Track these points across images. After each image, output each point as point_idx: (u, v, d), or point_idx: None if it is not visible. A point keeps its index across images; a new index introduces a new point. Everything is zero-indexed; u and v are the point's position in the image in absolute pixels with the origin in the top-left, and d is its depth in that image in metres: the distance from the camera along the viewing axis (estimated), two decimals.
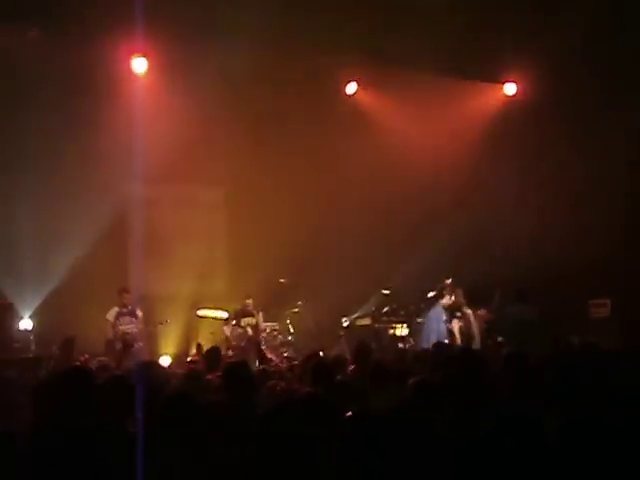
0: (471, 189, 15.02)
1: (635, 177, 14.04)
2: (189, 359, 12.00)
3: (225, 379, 6.09)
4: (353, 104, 15.18)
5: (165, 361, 13.02)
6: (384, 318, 14.31)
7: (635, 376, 5.99)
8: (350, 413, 4.41)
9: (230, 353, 12.64)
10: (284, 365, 10.85)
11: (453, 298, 13.05)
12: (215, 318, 13.70)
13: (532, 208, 14.78)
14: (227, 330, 13.22)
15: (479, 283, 13.30)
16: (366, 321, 14.53)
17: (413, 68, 14.04)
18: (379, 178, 14.94)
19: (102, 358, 10.68)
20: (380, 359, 8.19)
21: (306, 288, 14.60)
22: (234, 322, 13.24)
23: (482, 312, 13.13)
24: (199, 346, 12.27)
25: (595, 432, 3.97)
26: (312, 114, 14.30)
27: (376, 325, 14.32)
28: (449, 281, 13.14)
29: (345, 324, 14.50)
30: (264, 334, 13.26)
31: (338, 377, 6.80)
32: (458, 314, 12.89)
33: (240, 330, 13.20)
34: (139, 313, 12.56)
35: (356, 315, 14.64)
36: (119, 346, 12.12)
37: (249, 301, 13.43)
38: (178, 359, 13.19)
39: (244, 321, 13.30)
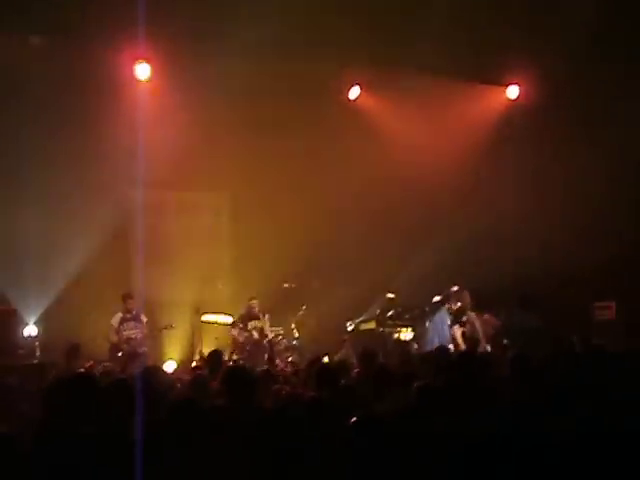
0: (474, 192, 15.00)
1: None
2: (194, 364, 12.00)
3: (225, 383, 6.08)
4: (356, 108, 15.18)
5: (170, 366, 13.04)
6: (389, 322, 14.28)
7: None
8: (355, 418, 4.40)
9: (235, 357, 12.64)
10: (289, 370, 10.85)
11: (459, 304, 13.01)
12: (219, 323, 13.71)
13: (535, 211, 14.75)
14: (235, 332, 13.19)
15: (483, 287, 13.26)
16: (371, 325, 14.50)
17: (416, 72, 14.03)
18: (383, 181, 14.93)
19: (107, 364, 10.70)
20: (385, 363, 8.19)
21: (310, 292, 14.61)
22: (241, 325, 13.23)
23: (487, 317, 13.09)
24: (202, 356, 12.25)
25: (597, 433, 3.97)
26: (315, 118, 14.28)
27: (381, 329, 14.29)
28: (455, 288, 13.11)
29: (350, 328, 14.49)
30: (267, 338, 13.23)
31: (342, 381, 6.80)
32: (463, 319, 12.86)
33: (246, 334, 13.18)
34: (144, 318, 12.58)
35: (361, 319, 14.61)
36: (124, 352, 12.15)
37: (254, 302, 13.38)
38: (183, 364, 13.19)
39: (250, 324, 13.27)
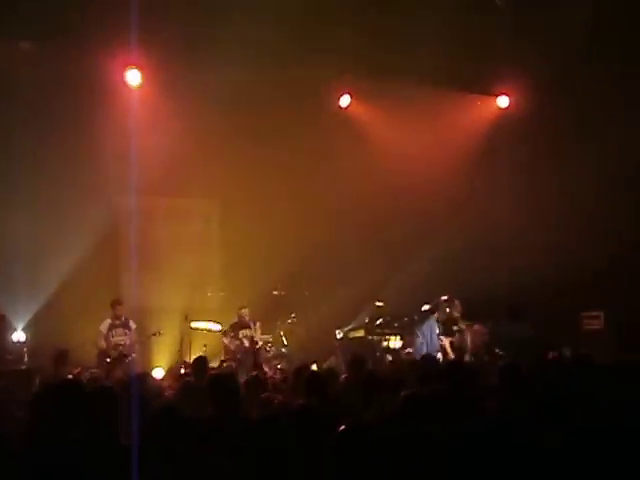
0: (465, 201, 15.04)
1: (630, 191, 14.07)
2: (183, 372, 11.98)
3: (210, 391, 6.06)
4: (347, 116, 15.22)
5: (158, 373, 13.00)
6: (377, 330, 14.30)
7: (626, 389, 5.99)
8: (343, 426, 4.40)
9: (225, 365, 12.62)
10: (278, 377, 10.84)
11: (447, 311, 13.03)
12: (209, 330, 13.70)
13: (525, 220, 14.79)
14: (226, 341, 13.19)
15: (474, 296, 13.28)
16: (360, 333, 14.51)
17: (406, 80, 14.08)
18: (373, 190, 14.96)
19: (94, 370, 10.66)
20: (374, 370, 8.20)
21: (300, 300, 14.62)
22: (232, 334, 13.22)
23: (478, 327, 13.11)
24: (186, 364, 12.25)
25: (583, 442, 3.98)
26: (306, 126, 14.31)
27: (369, 337, 14.31)
28: (444, 298, 13.13)
29: (339, 336, 14.49)
30: (257, 346, 13.22)
31: (331, 389, 6.80)
32: (454, 328, 12.88)
33: (237, 342, 13.18)
34: (132, 325, 12.55)
35: (350, 327, 14.62)
36: (111, 357, 12.12)
37: (244, 311, 13.38)
38: (171, 371, 13.16)
39: (241, 333, 13.26)
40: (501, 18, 13.11)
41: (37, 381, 9.36)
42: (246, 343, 13.17)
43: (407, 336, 13.97)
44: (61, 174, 12.77)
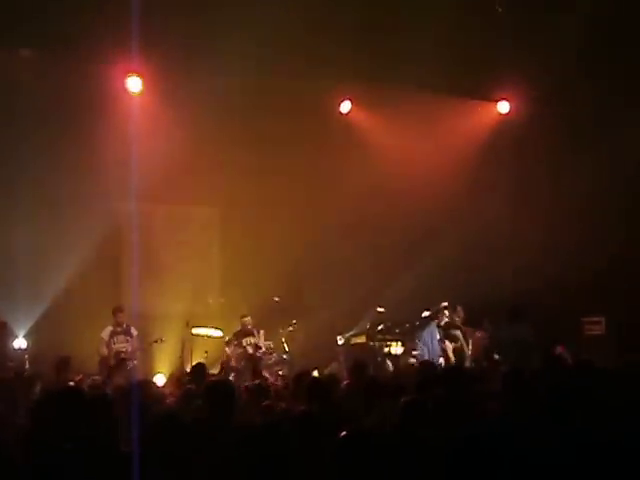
0: (465, 206, 15.06)
1: (631, 194, 14.07)
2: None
3: (206, 397, 6.04)
4: (347, 122, 15.23)
5: (160, 380, 12.99)
6: (379, 336, 14.29)
7: (626, 394, 5.99)
8: (344, 432, 4.40)
9: (223, 372, 12.62)
10: (279, 384, 10.83)
11: (448, 316, 13.03)
12: (209, 337, 13.70)
13: (526, 225, 14.80)
14: (229, 350, 13.20)
15: (473, 300, 13.27)
16: (361, 339, 14.50)
17: (407, 86, 14.10)
18: (373, 196, 14.97)
19: (96, 377, 10.66)
20: (375, 376, 8.19)
21: (301, 306, 14.62)
22: (235, 342, 13.24)
23: (480, 334, 13.10)
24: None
25: (583, 447, 3.98)
26: (306, 133, 14.34)
27: (371, 343, 14.29)
28: (445, 304, 13.13)
29: (340, 342, 14.48)
30: (259, 353, 13.23)
31: (333, 395, 6.80)
32: (453, 334, 12.87)
33: (240, 350, 13.19)
34: (134, 332, 12.54)
35: (351, 333, 14.61)
36: (112, 364, 12.11)
37: (247, 319, 13.41)
38: (172, 378, 13.14)
39: (245, 341, 13.28)
40: (501, 24, 13.12)
41: (38, 388, 9.34)
42: (250, 350, 13.19)
43: (408, 342, 13.97)
44: (62, 181, 12.81)
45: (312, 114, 14.40)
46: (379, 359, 13.81)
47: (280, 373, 13.17)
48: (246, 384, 9.50)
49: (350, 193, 14.72)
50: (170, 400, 7.77)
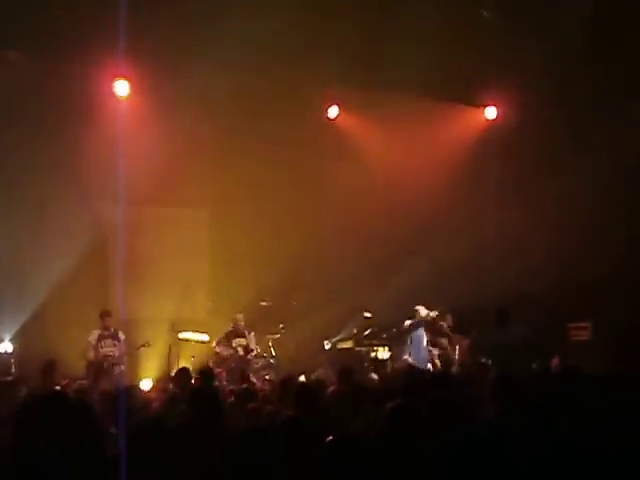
0: (453, 211, 15.08)
1: (621, 199, 14.11)
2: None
3: (191, 402, 6.01)
4: (335, 127, 15.24)
5: (146, 384, 12.94)
6: (366, 341, 14.29)
7: (613, 400, 6.00)
8: (331, 437, 4.39)
9: (218, 370, 12.59)
10: (266, 388, 10.82)
11: (435, 322, 13.05)
12: (197, 341, 13.66)
13: (513, 230, 14.81)
14: (219, 349, 13.17)
15: (462, 307, 13.28)
16: (348, 344, 14.50)
17: (394, 91, 14.12)
18: (361, 201, 15.00)
19: (82, 381, 10.61)
20: (362, 381, 8.18)
21: (288, 311, 14.61)
22: (226, 342, 13.21)
23: (467, 341, 13.10)
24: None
25: (569, 453, 3.99)
26: (294, 137, 14.34)
27: (357, 348, 14.29)
28: (435, 312, 13.15)
29: (327, 347, 14.47)
30: (250, 355, 13.21)
31: (320, 400, 6.79)
32: (441, 340, 12.89)
33: (231, 350, 13.17)
34: (122, 336, 12.48)
35: (338, 338, 14.60)
36: (98, 368, 12.05)
37: (239, 316, 13.38)
38: (159, 382, 13.10)
39: (235, 342, 13.26)
40: (488, 29, 13.17)
41: (24, 392, 9.30)
42: (241, 352, 13.18)
43: (395, 347, 13.97)
44: (49, 184, 12.74)
45: (300, 118, 14.38)
46: (366, 364, 13.82)
47: (267, 378, 13.15)
48: (231, 387, 9.52)
49: (340, 197, 14.75)
50: (156, 405, 7.74)
